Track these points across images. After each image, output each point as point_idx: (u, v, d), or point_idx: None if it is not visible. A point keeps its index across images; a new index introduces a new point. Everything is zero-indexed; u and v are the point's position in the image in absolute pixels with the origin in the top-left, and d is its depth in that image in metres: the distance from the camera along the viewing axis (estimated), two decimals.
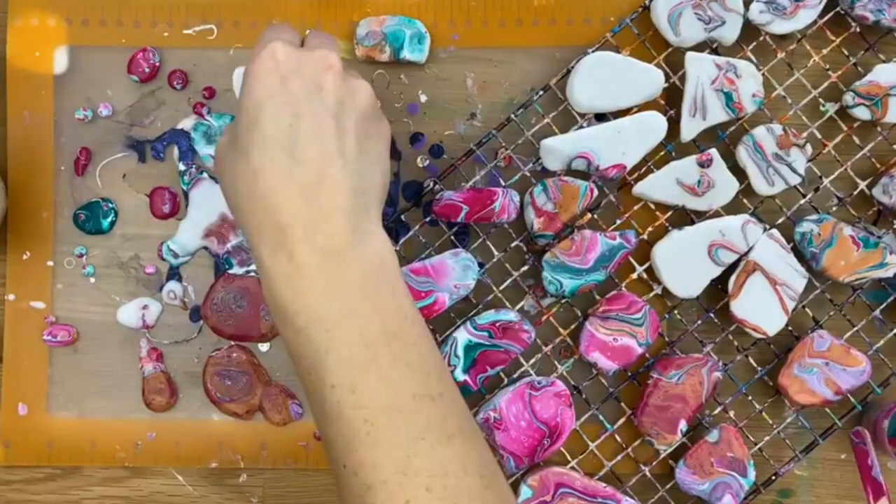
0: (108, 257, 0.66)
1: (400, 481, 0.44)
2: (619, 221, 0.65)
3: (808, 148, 0.63)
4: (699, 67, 0.63)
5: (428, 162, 0.66)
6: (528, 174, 0.65)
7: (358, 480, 0.44)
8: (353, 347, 0.45)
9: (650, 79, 0.63)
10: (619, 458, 0.64)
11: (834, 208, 0.65)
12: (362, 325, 0.46)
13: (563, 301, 0.65)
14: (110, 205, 0.66)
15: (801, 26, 0.64)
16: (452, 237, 0.65)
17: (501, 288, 0.65)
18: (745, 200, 0.65)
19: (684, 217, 0.65)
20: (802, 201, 0.65)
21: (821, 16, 0.64)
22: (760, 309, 0.63)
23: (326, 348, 0.45)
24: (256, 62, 0.49)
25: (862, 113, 0.64)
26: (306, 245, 0.46)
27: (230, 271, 0.66)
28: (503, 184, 0.65)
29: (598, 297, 0.64)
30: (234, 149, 0.49)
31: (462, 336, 0.62)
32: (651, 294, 0.64)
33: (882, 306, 0.65)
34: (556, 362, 0.65)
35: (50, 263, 0.66)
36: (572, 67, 0.64)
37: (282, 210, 0.46)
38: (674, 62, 0.64)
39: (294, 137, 0.47)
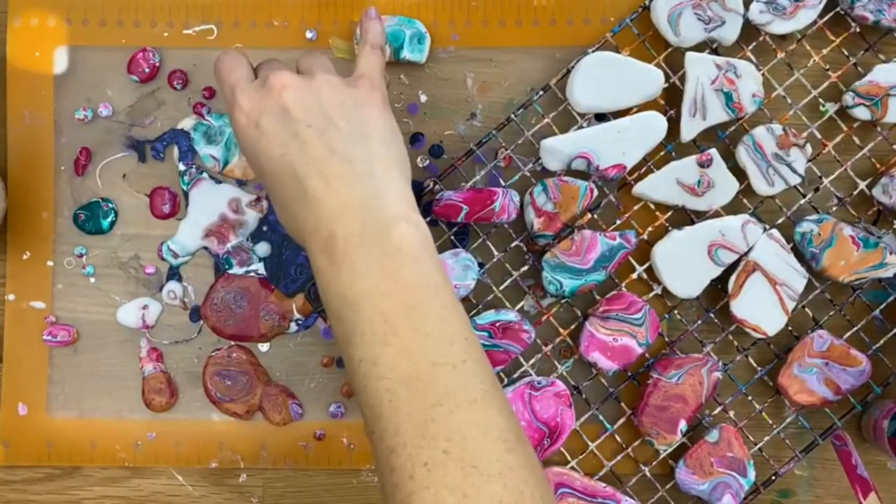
0: (108, 257, 0.66)
1: (419, 444, 0.46)
2: (619, 221, 0.65)
3: (808, 148, 0.63)
4: (699, 67, 0.63)
5: (428, 162, 0.66)
6: (528, 174, 0.65)
7: (383, 444, 0.47)
8: (374, 324, 0.48)
9: (650, 79, 0.63)
10: (619, 458, 0.64)
11: (834, 208, 0.65)
12: (382, 301, 0.48)
13: (563, 301, 0.65)
14: (110, 205, 0.66)
15: (801, 26, 0.64)
16: (452, 237, 0.65)
17: (501, 288, 0.65)
18: (745, 200, 0.65)
19: (684, 217, 0.65)
20: (802, 201, 0.65)
21: (821, 16, 0.64)
22: (760, 309, 0.63)
23: (353, 328, 0.49)
24: (232, 119, 0.54)
25: (862, 113, 0.64)
26: (332, 241, 0.49)
27: (230, 271, 0.66)
28: (503, 184, 0.65)
29: (598, 297, 0.64)
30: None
31: None
32: (651, 294, 0.64)
33: (882, 306, 0.65)
34: (556, 362, 0.65)
35: (50, 263, 0.66)
36: (572, 67, 0.64)
37: (306, 225, 0.51)
38: (674, 62, 0.64)
39: (289, 165, 0.51)
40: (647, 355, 0.65)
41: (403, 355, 0.47)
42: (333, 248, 0.49)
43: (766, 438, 0.64)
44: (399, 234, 0.49)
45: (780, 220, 0.65)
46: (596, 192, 0.63)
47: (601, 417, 0.64)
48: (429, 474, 0.45)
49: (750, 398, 0.65)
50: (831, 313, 0.65)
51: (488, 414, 0.47)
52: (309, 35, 0.66)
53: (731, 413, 0.65)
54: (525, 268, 0.65)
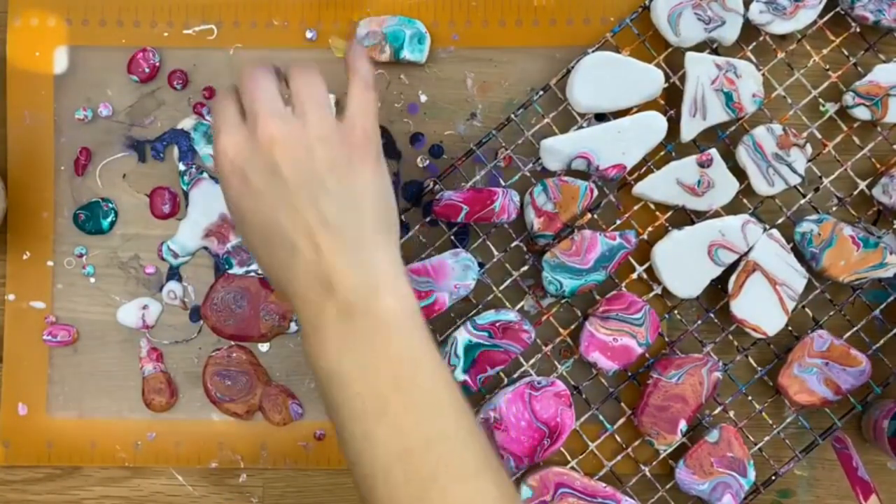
0: (108, 257, 0.66)
1: None
2: (619, 221, 0.65)
3: (808, 148, 0.63)
4: (699, 67, 0.63)
5: (428, 162, 0.66)
6: (528, 174, 0.65)
7: None
8: (365, 400, 0.48)
9: (650, 79, 0.63)
10: (619, 458, 0.64)
11: (834, 208, 0.65)
12: (373, 377, 0.48)
13: (563, 301, 0.65)
14: (110, 205, 0.66)
15: (801, 26, 0.64)
16: (452, 237, 0.65)
17: (501, 288, 0.65)
18: (745, 200, 0.65)
19: (684, 217, 0.65)
20: (802, 201, 0.65)
21: (821, 16, 0.64)
22: (760, 309, 0.63)
23: (343, 402, 0.48)
24: (216, 163, 0.51)
25: (862, 113, 0.64)
26: (321, 313, 0.49)
27: (230, 271, 0.66)
28: (503, 184, 0.65)
29: (598, 297, 0.64)
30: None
31: (462, 336, 0.62)
32: (651, 294, 0.64)
33: (882, 306, 0.65)
34: (556, 362, 0.65)
35: (50, 263, 0.66)
36: (572, 67, 0.64)
37: (297, 292, 0.49)
38: (674, 62, 0.64)
39: (279, 228, 0.49)
40: (647, 355, 0.65)
41: (396, 431, 0.47)
42: (321, 319, 0.49)
43: (766, 438, 0.64)
44: (386, 307, 0.48)
45: (780, 220, 0.65)
46: (596, 192, 0.63)
47: (601, 417, 0.64)
48: None
49: (750, 398, 0.65)
50: (831, 313, 0.65)
51: (482, 485, 0.47)
52: (309, 35, 0.66)
53: (731, 413, 0.65)
54: (525, 268, 0.65)
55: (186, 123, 0.66)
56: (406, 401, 0.48)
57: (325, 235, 0.49)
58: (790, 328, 0.64)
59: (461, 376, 0.62)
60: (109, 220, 0.66)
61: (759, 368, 0.65)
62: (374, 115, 0.52)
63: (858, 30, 0.64)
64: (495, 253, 0.64)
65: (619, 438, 0.65)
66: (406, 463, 0.47)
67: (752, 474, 0.63)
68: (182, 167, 0.66)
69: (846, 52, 0.65)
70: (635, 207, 0.64)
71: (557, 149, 0.63)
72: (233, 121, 0.50)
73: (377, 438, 0.47)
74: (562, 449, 0.64)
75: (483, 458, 0.48)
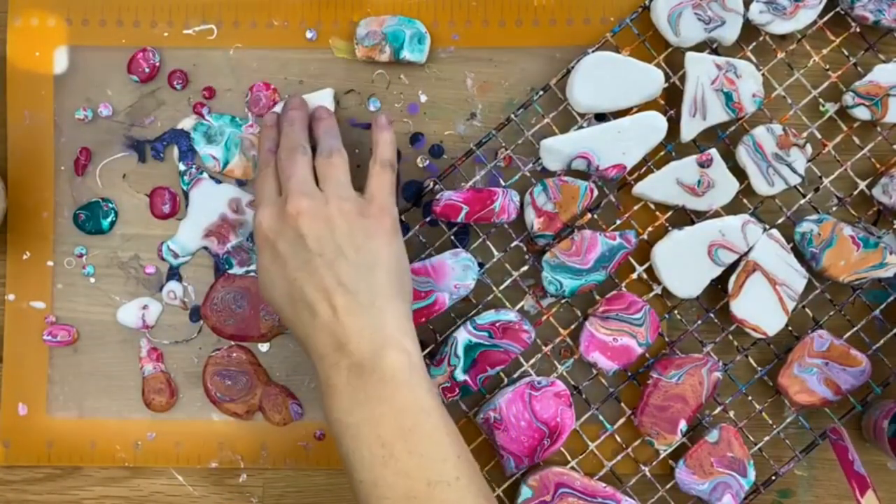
0: (108, 257, 0.66)
1: None
2: (619, 221, 0.65)
3: (808, 148, 0.63)
4: (699, 67, 0.63)
5: (428, 162, 0.66)
6: (528, 174, 0.65)
7: None
8: (372, 447, 0.52)
9: (650, 79, 0.63)
10: (619, 458, 0.64)
11: (834, 208, 0.65)
12: (379, 427, 0.52)
13: (563, 301, 0.65)
14: (110, 205, 0.66)
15: (801, 26, 0.64)
16: (452, 237, 0.65)
17: (501, 288, 0.65)
18: (745, 200, 0.65)
19: (684, 217, 0.65)
20: (802, 201, 0.65)
21: (821, 16, 0.64)
22: (760, 309, 0.63)
23: (353, 451, 0.53)
24: (255, 232, 0.58)
25: (862, 113, 0.64)
26: (335, 370, 0.54)
27: (230, 271, 0.66)
28: (503, 184, 0.65)
29: (598, 297, 0.64)
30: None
31: (462, 336, 0.62)
32: (651, 294, 0.64)
33: (882, 306, 0.65)
34: (556, 362, 0.65)
35: (50, 263, 0.66)
36: (572, 67, 0.64)
37: (315, 348, 0.55)
38: (674, 62, 0.64)
39: (300, 290, 0.55)
40: (647, 355, 0.65)
41: (401, 476, 0.51)
42: (335, 378, 0.54)
43: (766, 438, 0.64)
44: (393, 363, 0.53)
45: (780, 220, 0.65)
46: (596, 192, 0.63)
47: (601, 417, 0.64)
48: None
49: (750, 398, 0.65)
50: (831, 313, 0.65)
51: None
52: (309, 35, 0.66)
53: (731, 413, 0.65)
54: (525, 268, 0.65)
55: (186, 123, 0.66)
56: (410, 448, 0.52)
57: (341, 297, 0.54)
58: (790, 328, 0.64)
59: (461, 376, 0.62)
60: (109, 220, 0.66)
61: (759, 368, 0.65)
62: (392, 191, 0.59)
63: (858, 30, 0.64)
64: (495, 253, 0.64)
65: (619, 438, 0.65)
66: None
67: (752, 474, 0.63)
68: (182, 167, 0.66)
69: (846, 52, 0.65)
70: (635, 207, 0.64)
71: (557, 149, 0.63)
72: (271, 197, 0.58)
73: (384, 483, 0.52)
74: (562, 449, 0.64)
75: (483, 500, 0.52)
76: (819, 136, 0.65)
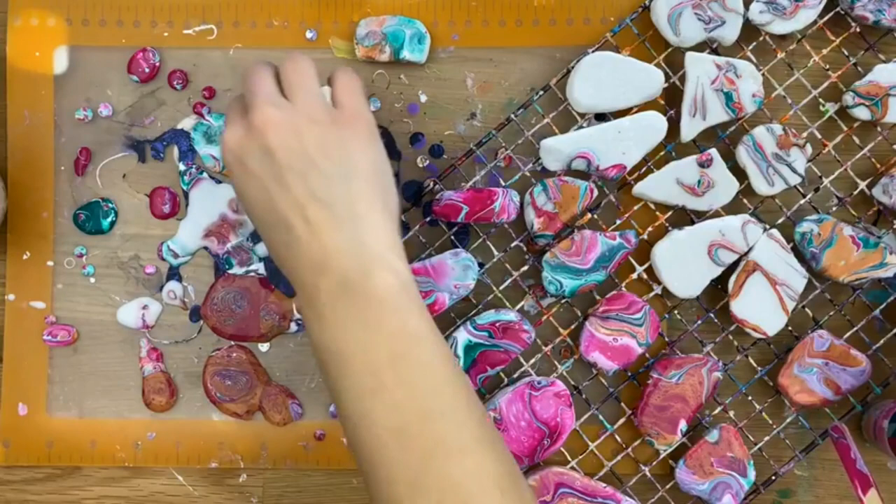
0: (108, 257, 0.66)
1: (412, 496, 0.46)
2: (619, 221, 0.65)
3: (808, 148, 0.63)
4: (699, 67, 0.63)
5: (428, 162, 0.66)
6: (528, 174, 0.65)
7: (381, 493, 0.48)
8: (362, 377, 0.48)
9: (650, 79, 0.63)
10: (619, 458, 0.64)
11: (834, 208, 0.65)
12: (369, 354, 0.49)
13: (563, 301, 0.65)
14: (110, 205, 0.66)
15: (801, 26, 0.64)
16: (452, 237, 0.65)
17: (501, 288, 0.65)
18: (745, 200, 0.65)
19: (684, 217, 0.65)
20: (802, 201, 0.65)
21: (821, 16, 0.64)
22: (760, 309, 0.63)
23: (341, 381, 0.49)
24: (223, 155, 0.54)
25: (862, 113, 0.64)
26: (316, 292, 0.50)
27: (230, 271, 0.66)
28: (503, 184, 0.65)
29: (598, 297, 0.64)
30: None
31: (462, 336, 0.62)
32: (651, 294, 0.64)
33: (882, 306, 0.65)
34: (556, 362, 0.65)
35: (50, 263, 0.66)
36: (572, 67, 0.64)
37: (294, 270, 0.51)
38: (674, 62, 0.64)
39: (273, 208, 0.51)
40: (647, 355, 0.65)
41: (392, 408, 0.48)
42: (317, 302, 0.50)
43: (766, 438, 0.64)
44: (380, 283, 0.49)
45: (780, 220, 0.65)
46: (596, 192, 0.63)
47: (601, 417, 0.64)
48: None
49: (750, 398, 0.65)
50: (831, 313, 0.65)
51: (480, 461, 0.47)
52: (309, 35, 0.66)
53: (731, 413, 0.65)
54: (525, 268, 0.65)
55: (186, 123, 0.66)
56: (401, 377, 0.48)
57: (315, 210, 0.50)
58: (790, 328, 0.64)
59: None
60: (109, 220, 0.66)
61: (759, 368, 0.65)
62: (360, 93, 0.55)
63: (858, 30, 0.64)
64: (495, 253, 0.64)
65: (619, 438, 0.65)
66: (402, 439, 0.47)
67: (752, 474, 0.63)
68: (182, 167, 0.66)
69: (846, 52, 0.65)
70: (635, 207, 0.64)
71: (557, 149, 0.63)
72: (235, 117, 0.53)
73: (374, 415, 0.48)
74: (562, 449, 0.64)
75: (480, 434, 0.48)
76: (819, 136, 0.65)
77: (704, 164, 0.63)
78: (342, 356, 0.49)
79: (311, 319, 0.50)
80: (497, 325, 0.62)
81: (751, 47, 0.65)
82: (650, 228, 0.64)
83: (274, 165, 0.51)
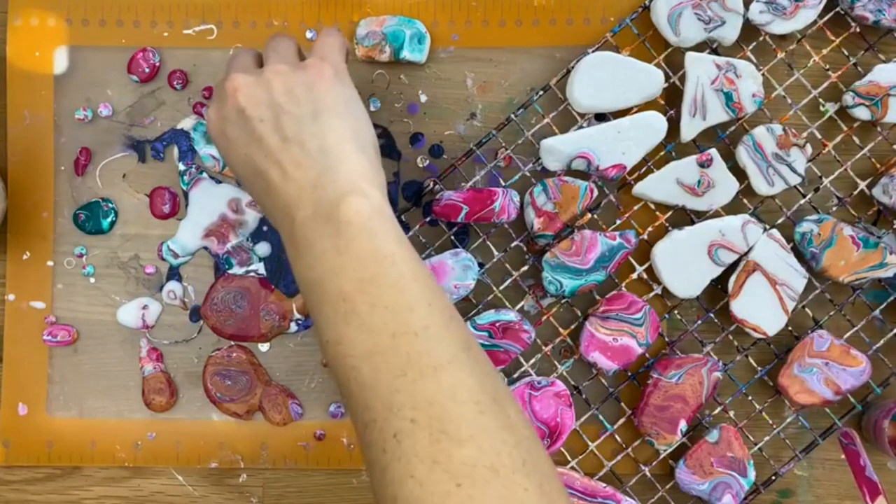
0: (108, 257, 0.66)
1: (387, 416, 0.46)
2: (619, 221, 0.65)
3: (808, 148, 0.63)
4: (699, 67, 0.63)
5: (428, 162, 0.66)
6: (528, 174, 0.65)
7: (357, 422, 0.48)
8: (334, 304, 0.48)
9: (650, 79, 0.63)
10: (619, 458, 0.64)
11: (834, 208, 0.65)
12: (338, 279, 0.49)
13: (563, 301, 0.65)
14: (110, 205, 0.66)
15: (801, 26, 0.64)
16: (452, 237, 0.65)
17: (501, 288, 0.65)
18: (745, 200, 0.65)
19: (684, 217, 0.65)
20: (802, 201, 0.65)
21: (821, 16, 0.64)
22: (760, 309, 0.63)
23: (318, 309, 0.49)
24: (208, 132, 0.56)
25: (862, 113, 0.64)
26: (292, 227, 0.51)
27: (230, 271, 0.66)
28: (503, 184, 0.65)
29: (598, 297, 0.64)
30: None
31: None
32: (651, 294, 0.64)
33: (882, 306, 0.65)
34: (556, 362, 0.65)
35: (50, 263, 0.66)
36: (572, 67, 0.64)
37: (274, 216, 0.53)
38: (674, 62, 0.64)
39: (252, 163, 0.53)
40: (647, 355, 0.65)
41: (363, 331, 0.47)
42: (294, 233, 0.51)
43: (766, 438, 0.64)
44: (348, 208, 0.49)
45: (780, 220, 0.65)
46: (596, 192, 0.63)
47: (601, 417, 0.64)
48: (399, 445, 0.45)
49: (750, 398, 0.65)
50: (831, 313, 0.65)
51: (456, 377, 0.47)
52: (309, 35, 0.66)
53: (731, 413, 0.65)
54: (525, 268, 0.65)
55: (186, 123, 0.66)
56: (372, 300, 0.48)
57: (288, 153, 0.51)
58: (790, 328, 0.64)
59: None
60: (109, 220, 0.66)
61: (759, 368, 0.65)
62: (336, 48, 0.56)
63: (858, 30, 0.64)
64: (495, 253, 0.64)
65: (619, 438, 0.65)
66: (374, 361, 0.47)
67: (752, 474, 0.63)
68: (182, 167, 0.66)
69: (846, 52, 0.65)
70: (635, 207, 0.64)
71: (557, 149, 0.63)
72: (215, 96, 0.56)
73: (346, 340, 0.48)
74: (562, 449, 0.64)
75: (458, 349, 0.48)
76: (819, 136, 0.65)
77: (704, 164, 0.63)
78: (317, 285, 0.49)
79: (292, 257, 0.51)
80: (497, 325, 0.62)
81: (751, 47, 0.65)
82: (650, 228, 0.64)
83: (247, 123, 0.53)
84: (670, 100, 0.64)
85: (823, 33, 0.65)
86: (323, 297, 0.49)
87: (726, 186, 0.63)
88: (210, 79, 0.66)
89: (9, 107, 0.65)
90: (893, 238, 0.64)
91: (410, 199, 0.66)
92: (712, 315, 0.65)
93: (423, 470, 0.44)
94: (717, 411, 0.65)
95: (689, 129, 0.63)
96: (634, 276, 0.64)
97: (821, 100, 0.65)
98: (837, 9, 0.64)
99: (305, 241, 0.50)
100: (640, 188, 0.63)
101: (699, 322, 0.65)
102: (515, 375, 0.65)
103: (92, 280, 0.66)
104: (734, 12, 0.63)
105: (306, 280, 0.50)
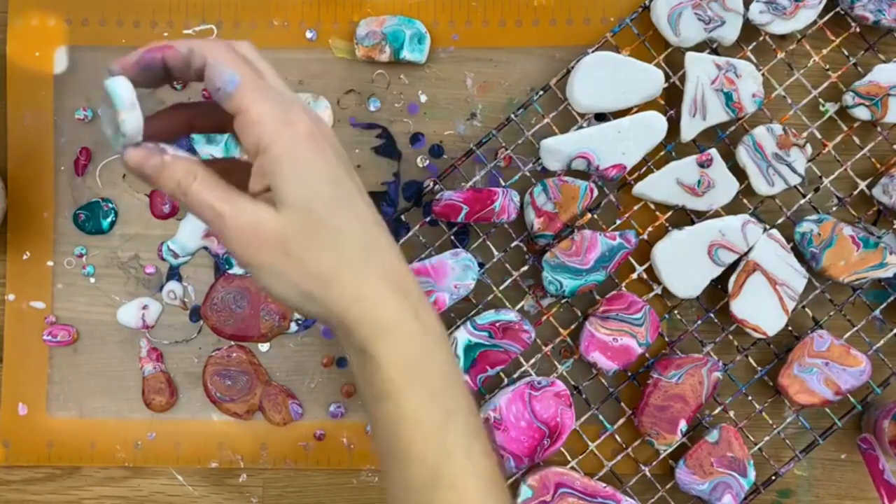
0: (108, 257, 0.66)
1: None
2: (619, 221, 0.65)
3: (808, 148, 0.63)
4: (699, 67, 0.63)
5: (428, 162, 0.66)
6: (528, 174, 0.65)
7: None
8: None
9: (650, 79, 0.63)
10: (619, 458, 0.64)
11: (834, 208, 0.65)
12: None
13: (563, 301, 0.65)
14: (110, 205, 0.66)
15: (801, 26, 0.64)
16: (452, 237, 0.65)
17: (501, 288, 0.65)
18: (745, 200, 0.65)
19: (684, 217, 0.65)
20: (802, 201, 0.65)
21: (821, 16, 0.64)
22: (760, 309, 0.63)
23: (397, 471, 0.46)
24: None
25: (862, 113, 0.64)
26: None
27: (230, 271, 0.66)
28: (503, 184, 0.65)
29: (598, 297, 0.64)
30: None
31: (462, 336, 0.62)
32: (651, 294, 0.64)
33: (882, 306, 0.65)
34: (556, 362, 0.65)
35: (50, 263, 0.66)
36: (572, 67, 0.64)
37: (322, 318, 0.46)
38: (674, 62, 0.64)
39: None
40: (647, 355, 0.65)
41: None
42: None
43: (766, 438, 0.64)
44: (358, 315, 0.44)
45: (780, 220, 0.65)
46: (596, 192, 0.63)
47: (601, 417, 0.64)
48: None
49: (750, 398, 0.65)
50: (831, 313, 0.65)
51: None
52: (309, 35, 0.66)
53: (731, 413, 0.65)
54: (525, 268, 0.65)
55: None
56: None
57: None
58: (790, 328, 0.64)
59: None
60: (109, 220, 0.66)
61: (759, 368, 0.65)
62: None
63: (858, 30, 0.64)
64: (495, 253, 0.64)
65: (619, 438, 0.65)
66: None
67: (752, 474, 0.63)
68: None
69: (846, 52, 0.65)
70: (635, 207, 0.64)
71: (557, 149, 0.63)
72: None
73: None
74: (562, 449, 0.64)
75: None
76: (819, 136, 0.65)
77: (704, 164, 0.63)
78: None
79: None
80: (497, 325, 0.62)
81: (751, 47, 0.65)
82: (650, 228, 0.64)
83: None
84: (670, 100, 0.64)
85: (823, 33, 0.65)
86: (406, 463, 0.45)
87: (726, 186, 0.63)
88: None
89: (9, 107, 0.65)
90: (893, 238, 0.64)
91: (410, 199, 0.66)
92: (712, 315, 0.65)
93: None
94: (717, 411, 0.65)
95: (689, 129, 0.63)
96: (634, 276, 0.64)
97: (821, 100, 0.65)
98: (837, 9, 0.64)
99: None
100: (640, 188, 0.63)
101: (699, 322, 0.65)
102: (515, 375, 0.65)
103: (92, 280, 0.66)
104: (734, 12, 0.63)
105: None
